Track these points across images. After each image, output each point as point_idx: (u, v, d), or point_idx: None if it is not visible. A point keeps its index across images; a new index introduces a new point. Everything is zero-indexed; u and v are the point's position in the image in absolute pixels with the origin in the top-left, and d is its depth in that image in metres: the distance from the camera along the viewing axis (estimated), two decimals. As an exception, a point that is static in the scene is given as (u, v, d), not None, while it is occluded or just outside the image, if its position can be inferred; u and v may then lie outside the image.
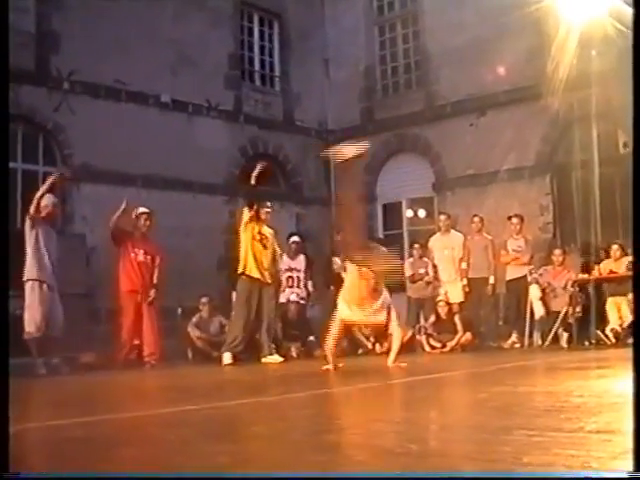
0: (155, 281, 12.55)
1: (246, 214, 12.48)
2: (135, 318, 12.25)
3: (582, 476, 2.66)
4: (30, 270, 10.92)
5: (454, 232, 15.47)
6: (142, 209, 12.70)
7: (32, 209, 11.06)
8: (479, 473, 2.68)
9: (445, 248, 15.28)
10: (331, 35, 20.86)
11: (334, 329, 9.24)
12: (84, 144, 15.45)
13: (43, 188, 11.31)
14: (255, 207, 12.48)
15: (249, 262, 12.33)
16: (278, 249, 12.85)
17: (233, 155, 18.57)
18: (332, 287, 13.14)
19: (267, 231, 12.75)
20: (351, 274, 9.32)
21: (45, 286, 10.96)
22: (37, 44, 15.40)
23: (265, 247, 12.53)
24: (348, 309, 9.15)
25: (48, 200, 11.33)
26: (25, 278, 10.90)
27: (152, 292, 12.45)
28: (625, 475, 2.54)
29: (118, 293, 12.46)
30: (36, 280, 10.91)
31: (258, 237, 12.44)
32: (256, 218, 12.48)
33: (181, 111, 17.61)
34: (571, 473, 2.68)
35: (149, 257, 12.55)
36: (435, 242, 15.56)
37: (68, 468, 3.24)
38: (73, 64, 15.54)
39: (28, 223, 11.05)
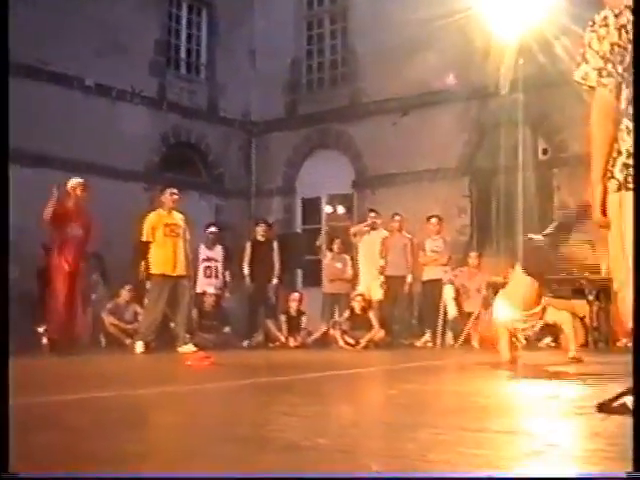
0: (87, 252, 12.20)
1: (151, 216, 12.38)
2: (69, 294, 11.72)
3: (582, 476, 2.70)
4: None
5: (381, 230, 15.49)
6: (77, 179, 12.17)
7: None
8: (480, 473, 2.70)
9: (371, 245, 15.34)
10: (259, 26, 20.77)
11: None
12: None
13: None
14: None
15: (160, 261, 12.15)
16: (188, 235, 12.60)
17: (155, 142, 18.40)
18: None
19: (177, 217, 12.53)
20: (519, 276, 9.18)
21: None
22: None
23: (177, 236, 12.35)
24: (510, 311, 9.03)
25: None
26: None
27: (82, 264, 12.12)
28: (624, 475, 2.57)
29: (48, 270, 11.98)
30: None
31: (167, 230, 12.27)
32: (162, 208, 12.37)
33: (104, 96, 17.38)
34: (571, 474, 2.71)
35: (83, 230, 11.99)
36: (363, 239, 15.62)
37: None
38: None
39: None
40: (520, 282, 9.00)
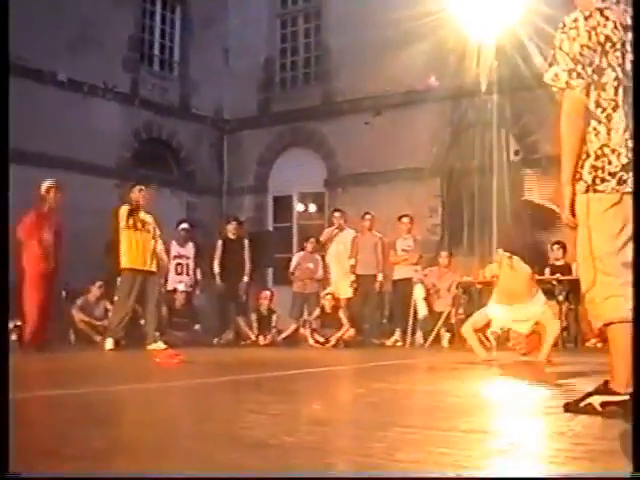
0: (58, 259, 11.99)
1: (124, 210, 12.15)
2: (43, 299, 11.53)
3: (582, 476, 2.70)
4: None
5: (348, 229, 15.51)
6: (50, 182, 11.94)
7: None
8: (481, 473, 2.70)
9: (338, 244, 15.37)
10: (233, 24, 20.77)
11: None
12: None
13: None
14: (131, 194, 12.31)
15: (132, 254, 12.04)
16: (158, 231, 12.49)
17: (126, 138, 18.34)
18: None
19: (146, 217, 12.32)
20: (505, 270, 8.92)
21: None
22: None
23: (147, 232, 12.22)
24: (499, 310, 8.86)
25: None
26: None
27: (55, 267, 11.93)
28: (625, 475, 2.58)
29: (21, 273, 11.58)
30: None
31: (140, 225, 12.15)
32: (135, 207, 12.24)
33: (77, 91, 17.29)
34: (571, 473, 2.72)
35: (56, 233, 11.76)
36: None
37: None
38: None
39: None
40: (507, 278, 8.91)
